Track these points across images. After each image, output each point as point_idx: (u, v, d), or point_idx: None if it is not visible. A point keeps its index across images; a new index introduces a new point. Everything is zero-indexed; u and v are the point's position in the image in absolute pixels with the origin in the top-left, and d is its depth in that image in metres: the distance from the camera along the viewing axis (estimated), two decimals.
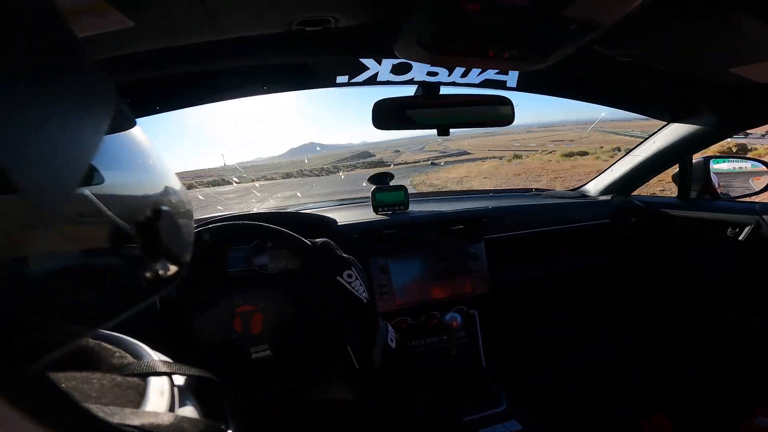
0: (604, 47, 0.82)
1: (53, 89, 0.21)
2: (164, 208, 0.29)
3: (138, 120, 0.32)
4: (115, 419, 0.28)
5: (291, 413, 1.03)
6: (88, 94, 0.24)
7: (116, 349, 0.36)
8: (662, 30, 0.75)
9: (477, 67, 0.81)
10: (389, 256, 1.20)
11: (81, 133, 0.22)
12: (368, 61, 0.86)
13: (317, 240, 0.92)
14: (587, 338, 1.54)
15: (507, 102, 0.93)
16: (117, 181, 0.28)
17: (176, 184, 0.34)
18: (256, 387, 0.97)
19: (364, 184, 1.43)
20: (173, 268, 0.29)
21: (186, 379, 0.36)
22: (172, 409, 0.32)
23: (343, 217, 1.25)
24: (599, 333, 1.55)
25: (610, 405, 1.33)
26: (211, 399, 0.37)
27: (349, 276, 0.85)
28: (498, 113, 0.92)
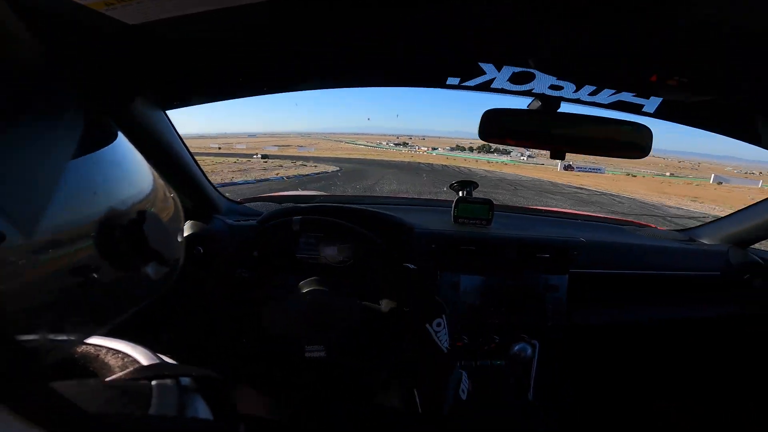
0: None
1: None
2: (150, 210, 0.29)
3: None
4: (123, 426, 0.27)
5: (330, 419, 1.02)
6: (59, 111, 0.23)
7: (119, 354, 0.36)
8: None
9: (626, 91, 0.68)
10: (462, 272, 1.13)
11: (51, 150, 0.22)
12: (486, 66, 0.76)
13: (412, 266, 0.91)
14: (654, 396, 1.36)
15: (644, 130, 0.77)
16: (101, 190, 0.27)
17: (159, 187, 0.34)
18: (305, 388, 0.97)
19: (445, 189, 1.37)
20: (162, 272, 0.29)
21: (192, 380, 0.35)
22: (180, 411, 0.31)
23: (419, 220, 1.20)
24: (669, 391, 1.36)
25: None
26: (221, 398, 0.35)
27: (438, 325, 0.85)
28: (630, 142, 0.78)
